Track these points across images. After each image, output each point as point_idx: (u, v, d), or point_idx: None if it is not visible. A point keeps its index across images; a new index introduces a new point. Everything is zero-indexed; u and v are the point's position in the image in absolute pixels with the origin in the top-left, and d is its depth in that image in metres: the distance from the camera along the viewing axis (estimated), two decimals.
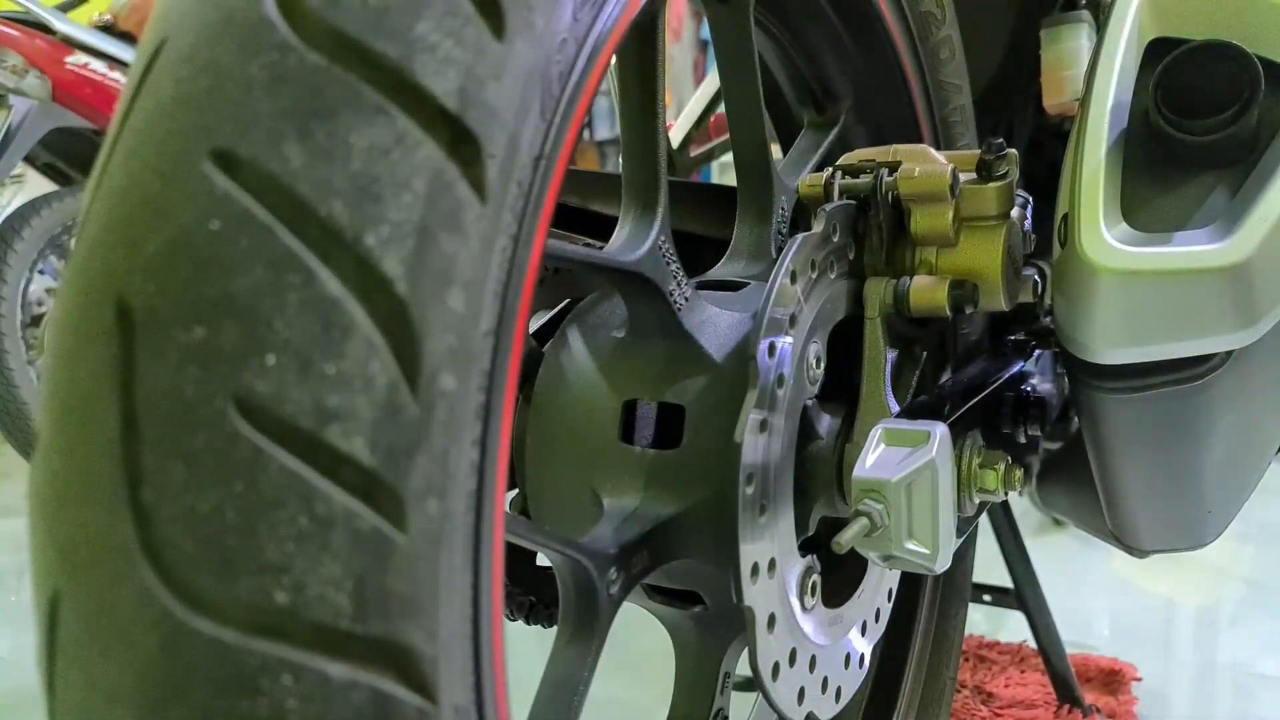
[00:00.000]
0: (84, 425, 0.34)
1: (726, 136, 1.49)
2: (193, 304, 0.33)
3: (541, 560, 0.65)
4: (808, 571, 0.63)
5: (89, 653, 0.34)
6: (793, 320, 0.60)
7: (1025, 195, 0.75)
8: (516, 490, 0.67)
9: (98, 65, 2.88)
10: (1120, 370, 0.63)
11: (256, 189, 0.34)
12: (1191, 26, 0.64)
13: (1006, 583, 1.43)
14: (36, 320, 2.81)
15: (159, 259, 0.34)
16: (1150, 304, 0.58)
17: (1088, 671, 1.54)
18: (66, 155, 3.22)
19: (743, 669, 0.63)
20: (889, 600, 0.76)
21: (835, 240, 0.65)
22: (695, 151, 1.60)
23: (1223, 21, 0.63)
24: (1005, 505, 1.40)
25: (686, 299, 0.60)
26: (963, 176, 0.68)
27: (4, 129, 2.72)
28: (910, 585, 0.97)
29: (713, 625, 0.66)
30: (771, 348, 0.58)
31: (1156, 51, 0.64)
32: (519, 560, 0.72)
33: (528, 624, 0.72)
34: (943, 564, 0.59)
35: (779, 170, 0.72)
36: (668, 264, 0.59)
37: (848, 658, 0.70)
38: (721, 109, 1.15)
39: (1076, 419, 0.83)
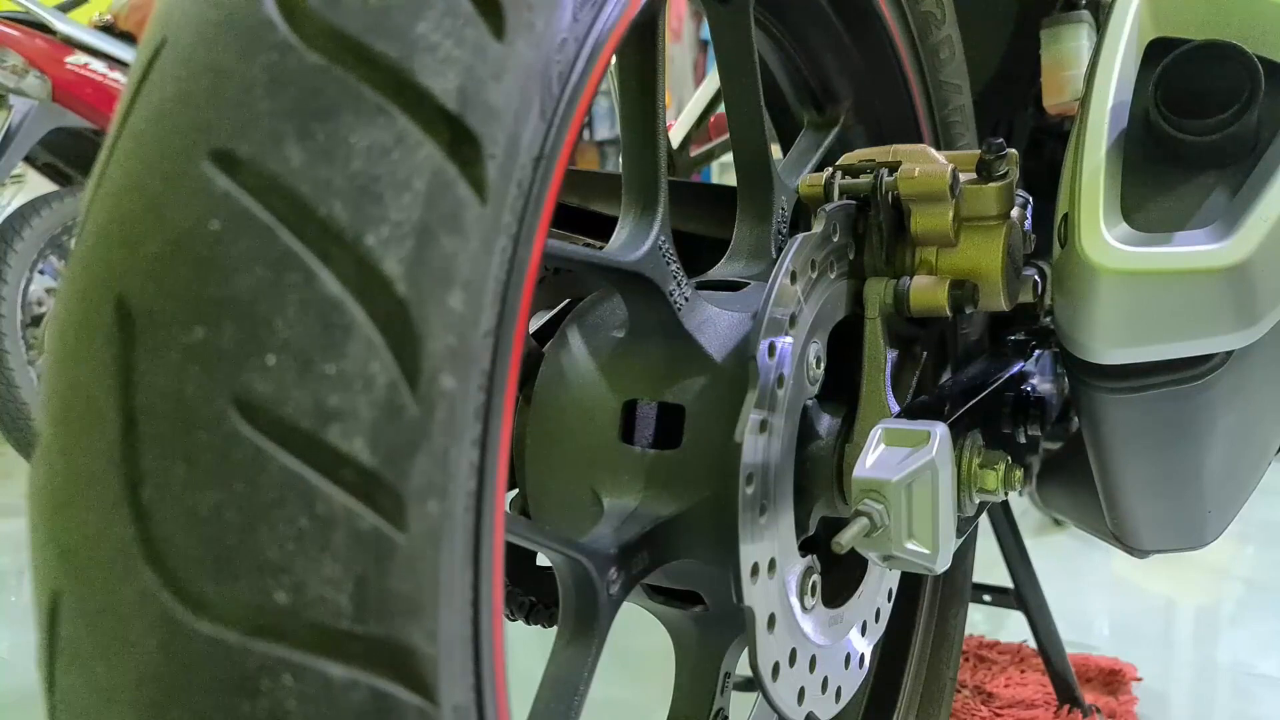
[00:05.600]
0: (84, 425, 0.34)
1: (726, 136, 1.49)
2: (193, 304, 0.33)
3: (541, 560, 0.65)
4: (808, 571, 0.63)
5: (89, 653, 0.34)
6: (793, 320, 0.60)
7: (1025, 195, 0.75)
8: (516, 490, 0.67)
9: (98, 65, 2.88)
10: (1120, 370, 0.63)
11: (256, 189, 0.33)
12: (1191, 26, 0.64)
13: (1006, 583, 1.43)
14: (36, 320, 2.81)
15: (159, 259, 0.34)
16: (1150, 304, 0.58)
17: (1088, 671, 1.54)
18: (66, 155, 3.22)
19: (743, 669, 0.63)
20: (889, 600, 0.76)
21: (835, 240, 0.65)
22: (695, 151, 1.60)
23: (1223, 21, 0.63)
24: (1005, 505, 1.40)
25: (686, 299, 0.60)
26: (963, 176, 0.68)
27: (4, 129, 2.72)
28: (910, 585, 0.97)
29: (713, 625, 0.66)
30: (771, 348, 0.58)
31: (1156, 51, 0.64)
32: (519, 560, 0.72)
33: (528, 624, 0.72)
34: (943, 564, 0.59)
35: (779, 170, 0.72)
36: (668, 264, 0.59)
37: (848, 658, 0.70)
38: (721, 109, 1.15)
39: (1076, 419, 0.83)
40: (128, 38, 3.03)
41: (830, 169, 0.71)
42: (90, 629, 0.33)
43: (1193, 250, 0.57)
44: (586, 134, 5.06)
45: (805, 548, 0.64)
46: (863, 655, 0.72)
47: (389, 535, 0.33)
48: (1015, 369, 0.89)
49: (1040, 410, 0.86)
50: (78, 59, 2.85)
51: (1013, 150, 0.69)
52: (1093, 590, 1.99)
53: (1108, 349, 0.61)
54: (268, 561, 0.32)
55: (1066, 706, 1.41)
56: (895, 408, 0.68)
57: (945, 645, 1.01)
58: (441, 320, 0.35)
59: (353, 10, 0.35)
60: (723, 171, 3.67)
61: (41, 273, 2.85)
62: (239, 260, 0.33)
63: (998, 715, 1.41)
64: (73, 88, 2.82)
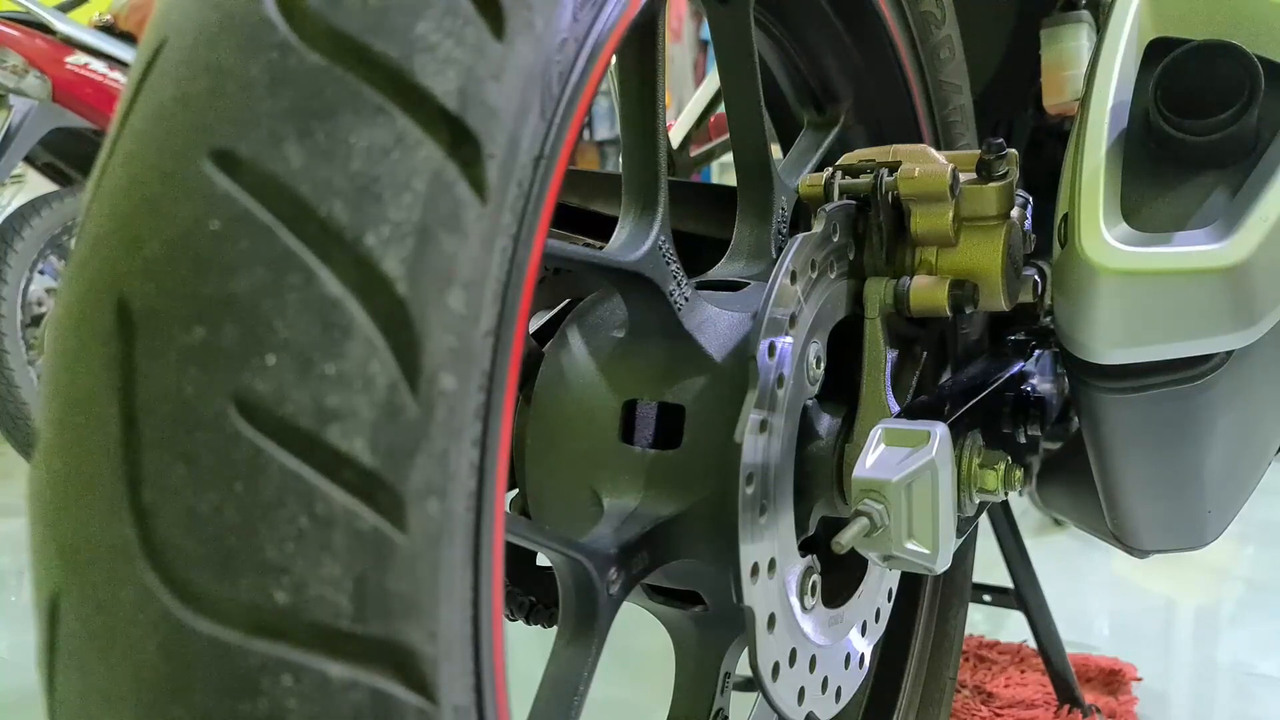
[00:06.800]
0: (84, 425, 0.34)
1: (726, 136, 1.49)
2: (193, 304, 0.33)
3: (541, 560, 0.65)
4: (808, 571, 0.63)
5: (89, 653, 0.34)
6: (793, 320, 0.60)
7: (1025, 195, 0.75)
8: (516, 490, 0.67)
9: (98, 65, 2.88)
10: (1120, 370, 0.63)
11: (256, 189, 0.34)
12: (1191, 26, 0.64)
13: (1006, 583, 1.43)
14: (36, 320, 2.81)
15: (159, 259, 0.34)
16: (1150, 304, 0.58)
17: (1088, 671, 1.54)
18: (66, 155, 3.22)
19: (743, 669, 0.63)
20: (889, 600, 0.76)
21: (835, 240, 0.65)
22: (695, 151, 1.60)
23: (1223, 21, 0.63)
24: (1005, 505, 1.40)
25: (686, 299, 0.60)
26: (963, 176, 0.68)
27: (4, 129, 2.72)
28: (910, 585, 0.97)
29: (713, 625, 0.66)
30: (771, 348, 0.58)
31: (1156, 51, 0.64)
32: (519, 560, 0.72)
33: (528, 624, 0.72)
34: (943, 564, 0.59)
35: (779, 170, 0.72)
36: (668, 264, 0.59)
37: (848, 658, 0.70)
38: (721, 109, 1.15)
39: (1076, 419, 0.83)
40: (128, 38, 3.03)
41: (830, 169, 0.71)
42: (90, 629, 0.33)
43: (1193, 250, 0.57)
44: (586, 134, 5.06)
45: (805, 548, 0.64)
46: (863, 655, 0.72)
47: (389, 535, 0.33)
48: (1015, 369, 0.89)
49: (1040, 410, 0.86)
50: (78, 59, 2.85)
51: (1013, 150, 0.69)
52: (1093, 590, 1.99)
53: (1108, 349, 0.61)
54: (268, 561, 0.32)
55: (1066, 706, 1.41)
56: (895, 408, 0.68)
57: (945, 645, 1.01)
58: (441, 320, 0.35)
59: (353, 10, 0.35)
60: (723, 171, 3.67)
61: (41, 273, 2.85)
62: (239, 260, 0.33)
63: (998, 715, 1.41)
64: (73, 88, 2.82)
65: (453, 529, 0.35)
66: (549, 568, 0.61)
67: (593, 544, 0.53)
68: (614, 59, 0.50)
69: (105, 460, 0.33)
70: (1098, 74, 0.64)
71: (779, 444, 0.59)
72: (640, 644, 1.21)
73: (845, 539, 0.56)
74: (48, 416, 0.35)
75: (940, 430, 0.60)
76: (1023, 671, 1.54)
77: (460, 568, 0.36)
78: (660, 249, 0.59)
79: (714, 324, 0.62)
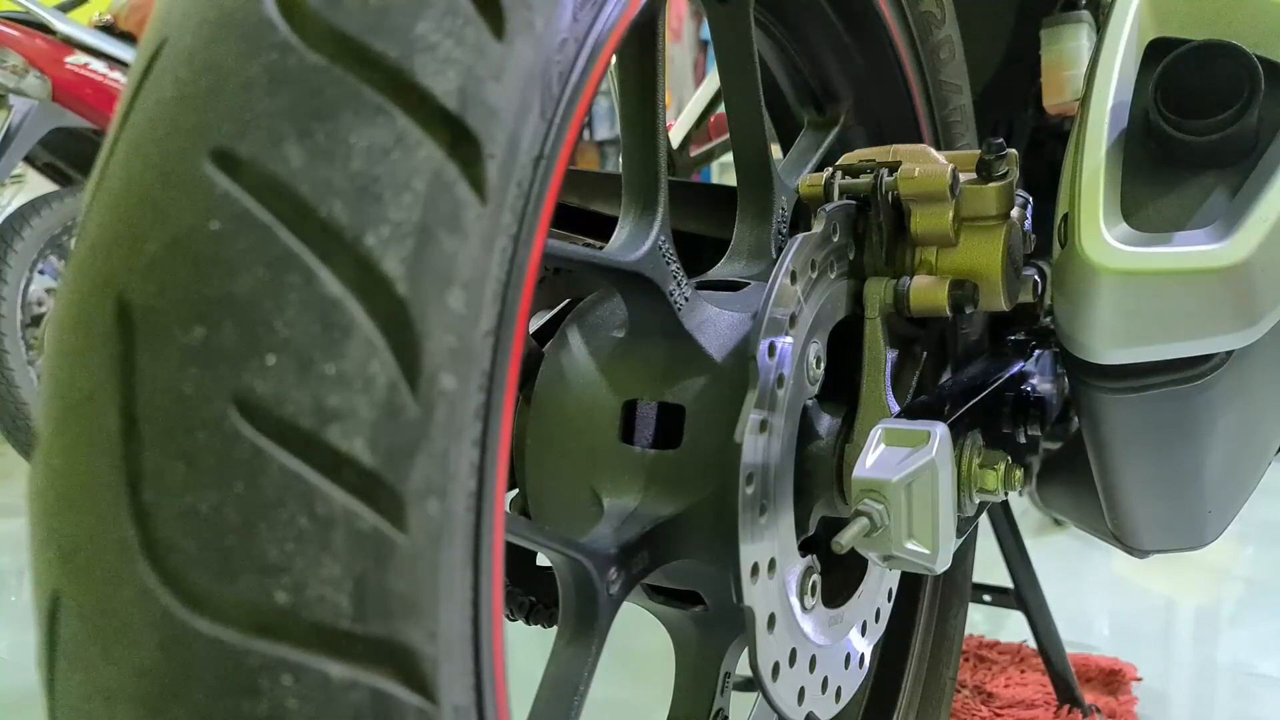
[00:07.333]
0: (84, 425, 0.34)
1: (726, 136, 1.49)
2: (193, 304, 0.33)
3: (541, 560, 0.65)
4: (808, 571, 0.64)
5: (89, 653, 0.34)
6: (793, 320, 0.60)
7: (1025, 195, 0.75)
8: (516, 490, 0.67)
9: (98, 65, 2.88)
10: (1120, 370, 0.63)
11: (256, 189, 0.34)
12: (1191, 26, 0.64)
13: (1006, 583, 1.43)
14: (36, 320, 2.81)
15: (159, 259, 0.34)
16: (1150, 304, 0.58)
17: (1088, 671, 1.54)
18: (66, 155, 3.23)
19: (743, 669, 0.63)
20: (889, 600, 0.76)
21: (835, 240, 0.65)
22: (695, 151, 1.60)
23: (1223, 21, 0.63)
24: (1005, 505, 1.40)
25: (686, 299, 0.60)
26: (963, 176, 0.68)
27: (4, 129, 2.72)
28: (910, 585, 0.97)
29: (713, 625, 0.66)
30: (771, 348, 0.58)
31: (1156, 51, 0.64)
32: (519, 560, 0.72)
33: (528, 624, 0.72)
34: (943, 564, 0.59)
35: (779, 170, 0.72)
36: (668, 264, 0.59)
37: (848, 658, 0.70)
38: (721, 109, 1.15)
39: (1076, 419, 0.83)
40: (128, 38, 3.03)
41: (830, 169, 0.71)
42: (90, 629, 0.33)
43: (1193, 250, 0.57)
44: (586, 134, 5.06)
45: (805, 548, 0.64)
46: (863, 655, 0.72)
47: (389, 535, 0.33)
48: (1015, 369, 0.89)
49: (1040, 410, 0.86)
50: (78, 59, 2.85)
51: (1013, 150, 0.69)
52: (1093, 590, 1.99)
53: (1108, 349, 0.61)
54: (268, 561, 0.32)
55: (1066, 706, 1.41)
56: (895, 408, 0.68)
57: (945, 645, 1.01)
58: (441, 320, 0.35)
59: (353, 10, 0.35)
60: (723, 171, 3.67)
61: (41, 273, 2.85)
62: (239, 260, 0.33)
63: (998, 715, 1.41)
64: (73, 88, 2.82)
65: (453, 529, 0.35)
66: (549, 568, 0.61)
67: (593, 544, 0.53)
68: (614, 59, 0.50)
69: (105, 460, 0.33)
70: (1098, 74, 0.64)
71: (779, 444, 0.59)
72: (640, 644, 1.21)
73: (845, 539, 0.56)
74: (48, 416, 0.35)
75: (940, 430, 0.60)
76: (1023, 671, 1.54)
77: (460, 568, 0.36)
78: (660, 249, 0.59)
79: (714, 324, 0.62)
